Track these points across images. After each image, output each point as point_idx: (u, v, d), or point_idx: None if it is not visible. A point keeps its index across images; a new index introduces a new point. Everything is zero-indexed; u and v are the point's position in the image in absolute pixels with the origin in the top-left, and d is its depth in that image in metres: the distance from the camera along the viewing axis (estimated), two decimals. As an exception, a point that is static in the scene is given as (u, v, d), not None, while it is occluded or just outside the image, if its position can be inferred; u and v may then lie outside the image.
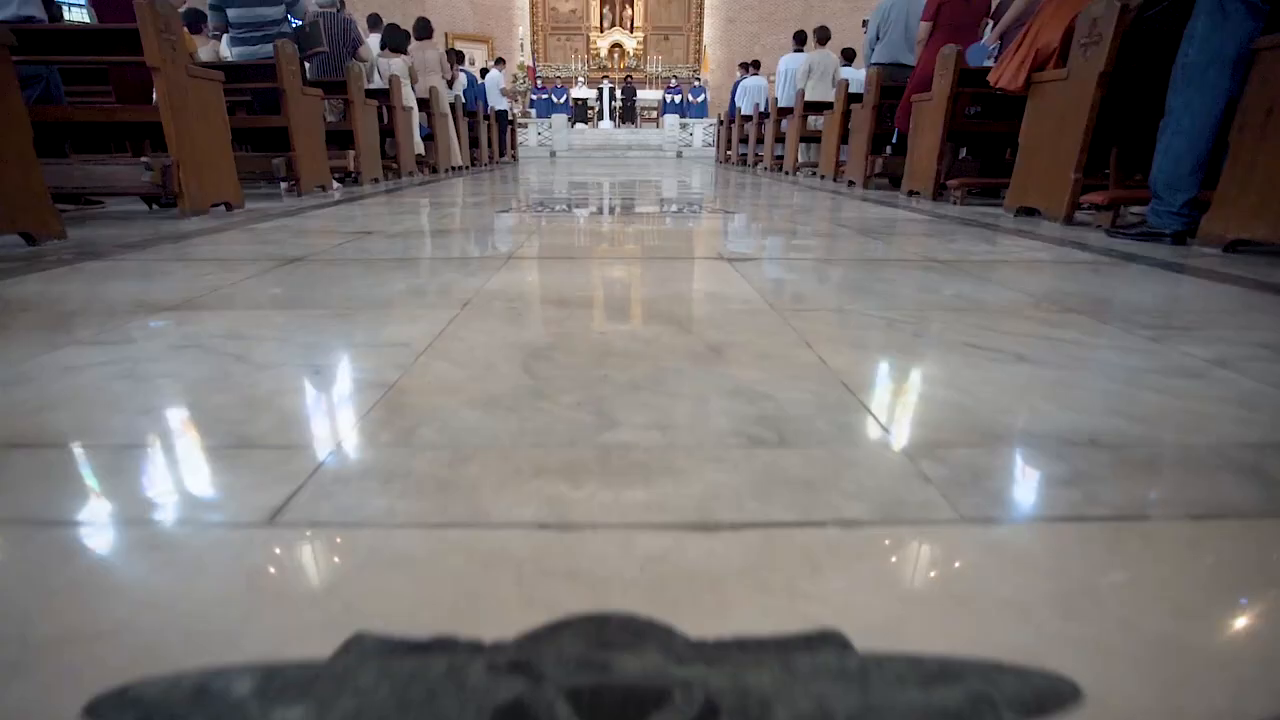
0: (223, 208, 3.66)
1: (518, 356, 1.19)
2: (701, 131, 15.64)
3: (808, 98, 7.59)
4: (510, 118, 11.90)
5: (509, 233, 2.87)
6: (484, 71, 11.19)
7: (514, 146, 12.17)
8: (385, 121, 6.50)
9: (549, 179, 7.24)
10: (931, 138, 4.57)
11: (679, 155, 15.16)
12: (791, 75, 8.53)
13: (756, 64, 10.70)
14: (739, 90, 10.57)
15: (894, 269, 2.09)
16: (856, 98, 6.40)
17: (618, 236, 2.77)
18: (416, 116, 6.97)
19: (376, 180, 5.97)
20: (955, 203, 4.32)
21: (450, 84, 8.46)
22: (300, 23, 4.93)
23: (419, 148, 7.05)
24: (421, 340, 1.29)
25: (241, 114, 5.53)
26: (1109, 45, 3.19)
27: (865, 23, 13.62)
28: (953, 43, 4.51)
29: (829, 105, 7.15)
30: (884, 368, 1.16)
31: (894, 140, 5.46)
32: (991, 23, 4.96)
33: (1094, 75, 3.22)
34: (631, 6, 20.40)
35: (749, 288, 1.79)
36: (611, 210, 3.92)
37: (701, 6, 20.53)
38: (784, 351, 1.23)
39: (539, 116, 16.97)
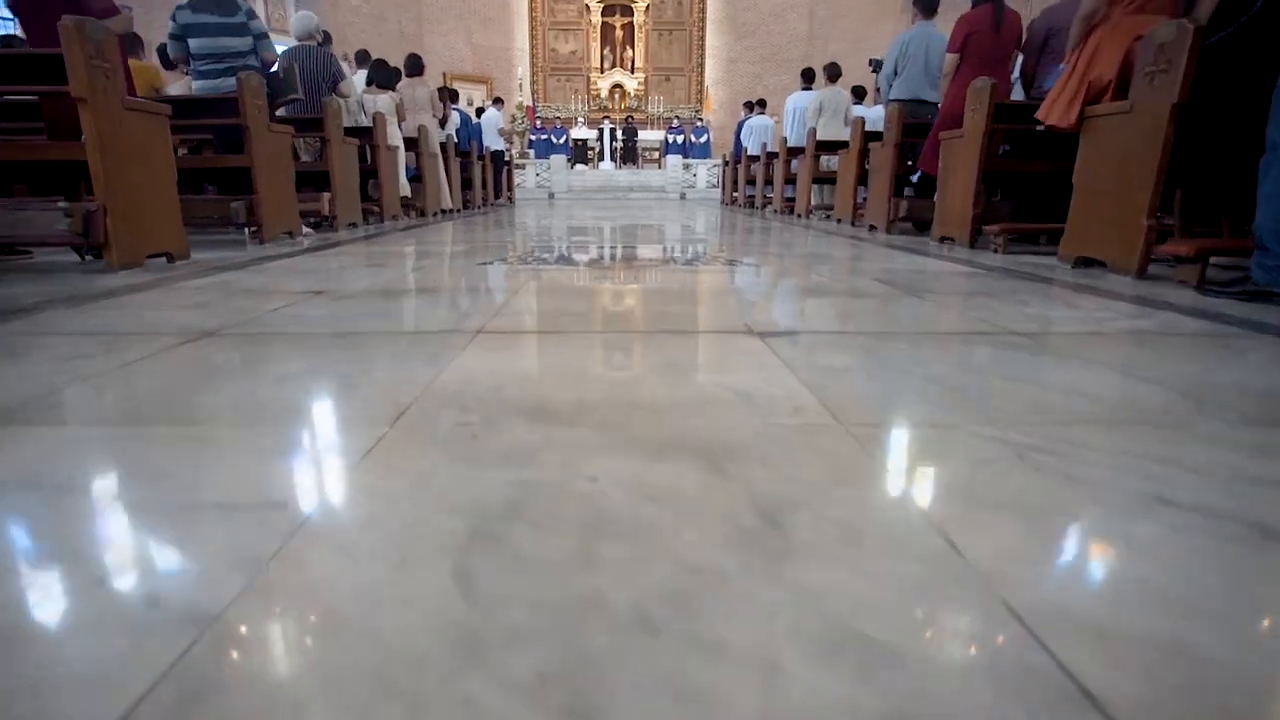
0: (163, 259, 3.25)
1: (453, 539, 0.74)
2: (705, 172, 15.45)
3: (819, 137, 7.29)
4: (507, 158, 11.66)
5: (485, 294, 2.45)
6: (480, 110, 10.99)
7: (510, 188, 11.91)
8: (369, 162, 6.17)
9: (543, 223, 6.89)
10: (964, 179, 4.19)
11: (682, 197, 14.94)
12: (801, 114, 8.26)
13: (762, 103, 10.48)
14: (744, 130, 10.33)
15: (971, 346, 1.66)
16: (873, 136, 6.07)
17: (617, 299, 2.34)
18: (403, 157, 6.65)
19: (355, 225, 5.60)
20: (996, 251, 3.92)
21: (442, 123, 8.19)
22: (270, 64, 4.59)
23: (405, 189, 6.71)
24: (308, 496, 0.84)
25: (210, 153, 5.20)
26: (1181, 73, 2.81)
27: (872, 61, 13.44)
28: (983, 76, 4.18)
29: (842, 144, 6.83)
30: (1061, 562, 0.71)
31: (914, 181, 5.10)
32: (1021, 55, 4.63)
33: (1165, 108, 2.84)
34: (632, 48, 20.48)
35: (795, 381, 1.35)
36: (610, 262, 3.51)
37: (703, 48, 20.62)
38: (882, 519, 0.78)
39: (538, 157, 16.82)
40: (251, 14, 4.42)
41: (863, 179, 6.20)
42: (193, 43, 4.43)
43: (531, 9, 20.27)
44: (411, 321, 1.96)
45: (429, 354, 1.54)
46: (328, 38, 6.33)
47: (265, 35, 4.47)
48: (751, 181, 10.06)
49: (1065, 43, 4.39)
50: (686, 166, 15.68)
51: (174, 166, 3.30)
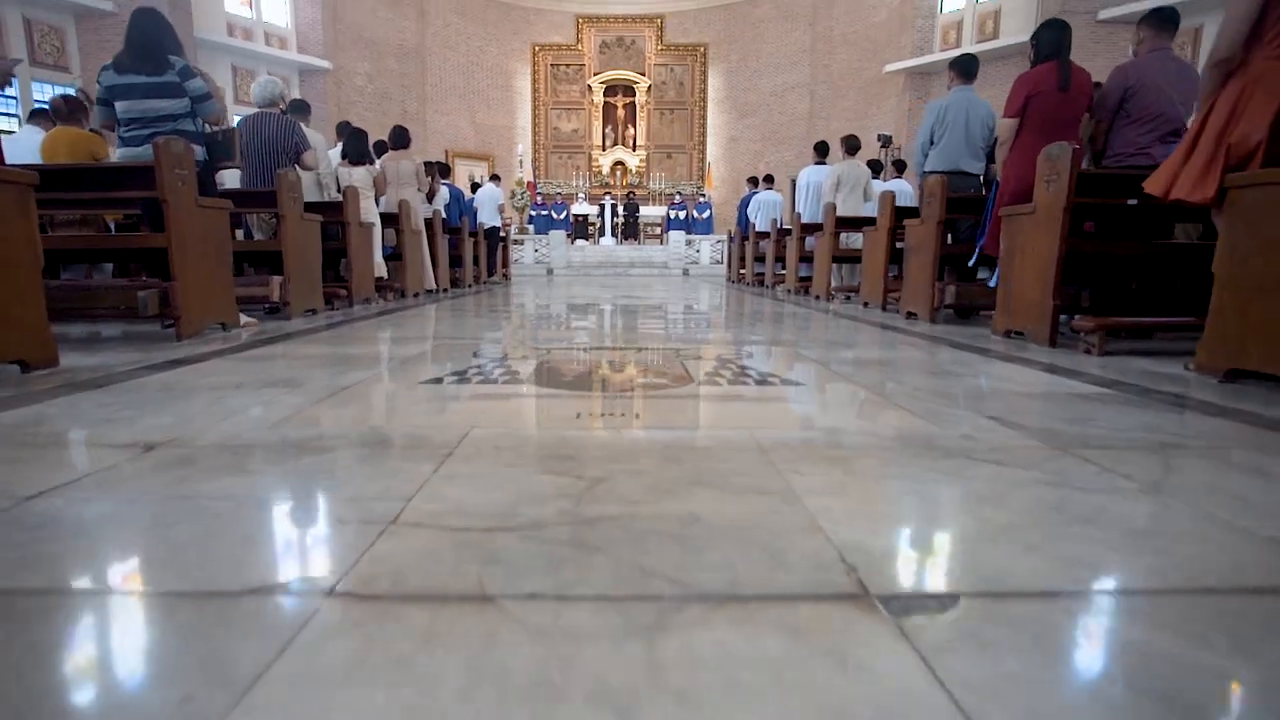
0: (16, 368, 2.40)
1: None
2: (709, 248, 14.87)
3: (838, 213, 6.58)
4: (503, 234, 11.03)
5: (392, 465, 1.56)
6: (475, 185, 10.40)
7: (506, 265, 11.23)
8: (340, 240, 5.42)
9: (534, 308, 6.09)
10: (1039, 262, 3.38)
11: (685, 273, 14.30)
12: (815, 188, 7.59)
13: (770, 178, 9.89)
14: (751, 205, 9.70)
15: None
16: (905, 212, 5.32)
17: (606, 470, 1.46)
18: (378, 234, 5.91)
19: (314, 312, 4.78)
20: (1089, 352, 3.06)
21: (430, 197, 7.51)
22: (212, 126, 3.86)
23: (380, 270, 5.94)
24: None
25: (147, 230, 4.43)
26: (1386, 130, 2.01)
27: (881, 137, 12.89)
28: (1050, 141, 3.42)
29: (866, 221, 6.09)
30: None
31: (971, 263, 4.30)
32: (1091, 119, 3.90)
33: (1364, 175, 2.03)
34: (634, 126, 20.32)
35: None
36: (603, 377, 2.65)
37: (704, 126, 20.46)
38: None
39: (538, 233, 16.31)
40: (188, 72, 3.71)
41: (893, 258, 5.43)
42: (119, 106, 3.70)
43: (534, 90, 20.21)
44: (261, 524, 1.07)
45: (250, 627, 0.64)
46: (303, 106, 5.68)
47: (206, 97, 3.75)
48: (760, 258, 9.35)
49: (1147, 104, 3.67)
50: (689, 242, 15.11)
51: (37, 246, 2.48)
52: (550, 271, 14.36)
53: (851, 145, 6.92)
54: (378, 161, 6.57)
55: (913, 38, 16.23)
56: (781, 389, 2.22)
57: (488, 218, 9.57)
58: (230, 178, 5.26)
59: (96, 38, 13.00)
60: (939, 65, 16.08)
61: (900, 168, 8.61)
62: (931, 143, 4.87)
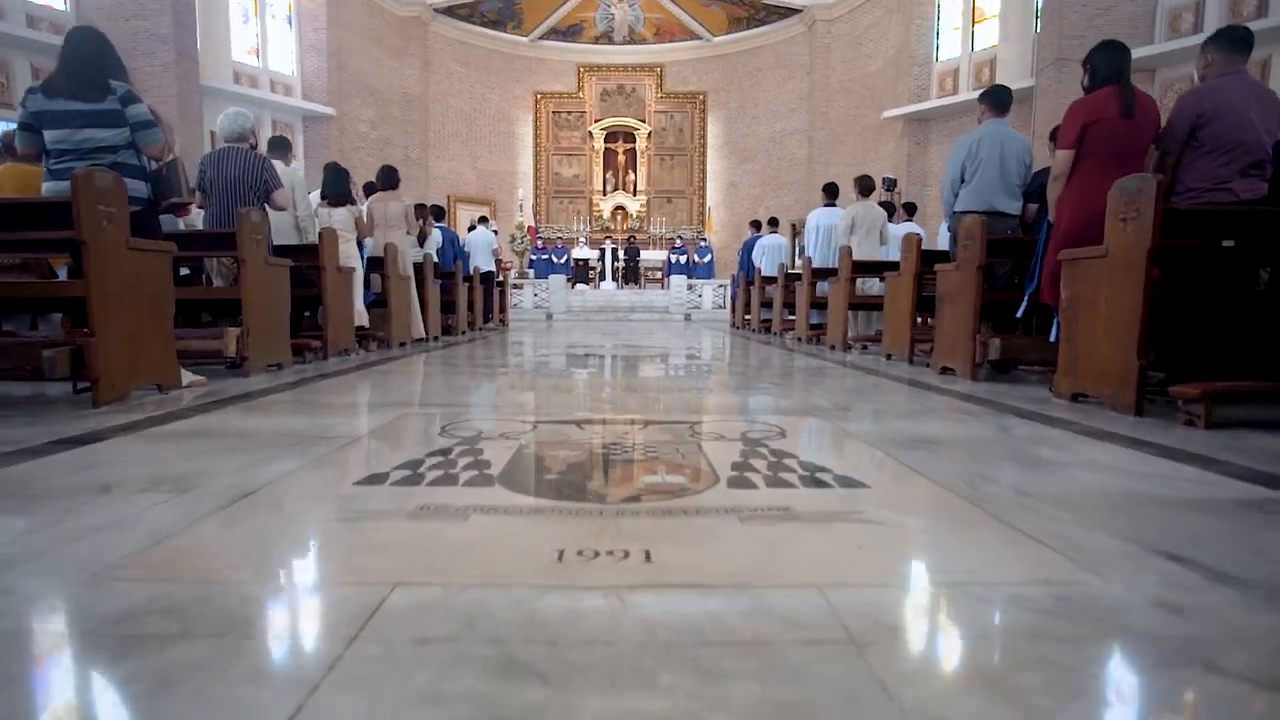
0: None
1: None
2: (711, 293, 14.37)
3: (854, 257, 6.04)
4: (500, 278, 10.52)
5: (277, 651, 0.95)
6: (471, 228, 9.92)
7: (503, 310, 10.69)
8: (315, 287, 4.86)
9: (527, 360, 5.50)
10: (1115, 314, 2.80)
11: (687, 318, 13.79)
12: (826, 232, 7.08)
13: (774, 221, 9.41)
14: (756, 249, 9.20)
15: None
16: (934, 256, 4.78)
17: (600, 707, 0.86)
18: (359, 279, 5.36)
19: (279, 366, 4.19)
20: (1194, 423, 2.46)
21: (421, 240, 6.99)
22: (158, 160, 3.32)
23: (361, 318, 5.37)
24: None
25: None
26: None
27: (886, 180, 12.47)
28: (1112, 175, 2.89)
29: (887, 265, 5.55)
30: None
31: (1020, 313, 3.72)
32: (1156, 150, 3.36)
33: None
34: (634, 172, 20.05)
35: None
36: (599, 477, 2.05)
37: (704, 171, 20.19)
38: None
39: (538, 277, 15.84)
40: (130, 98, 3.18)
41: (920, 306, 4.87)
42: (48, 135, 3.16)
43: (536, 136, 20.00)
44: None
45: None
46: (282, 144, 5.17)
47: (148, 124, 3.22)
48: (767, 304, 8.81)
49: (1225, 132, 3.13)
50: (691, 287, 14.62)
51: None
52: (550, 316, 13.84)
53: (865, 186, 6.42)
54: (364, 202, 6.07)
55: (909, 85, 16.01)
56: (842, 496, 1.60)
57: (481, 262, 9.05)
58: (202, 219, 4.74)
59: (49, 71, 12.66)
60: (936, 111, 15.85)
61: (910, 210, 8.14)
62: (962, 180, 4.35)
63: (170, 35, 12.62)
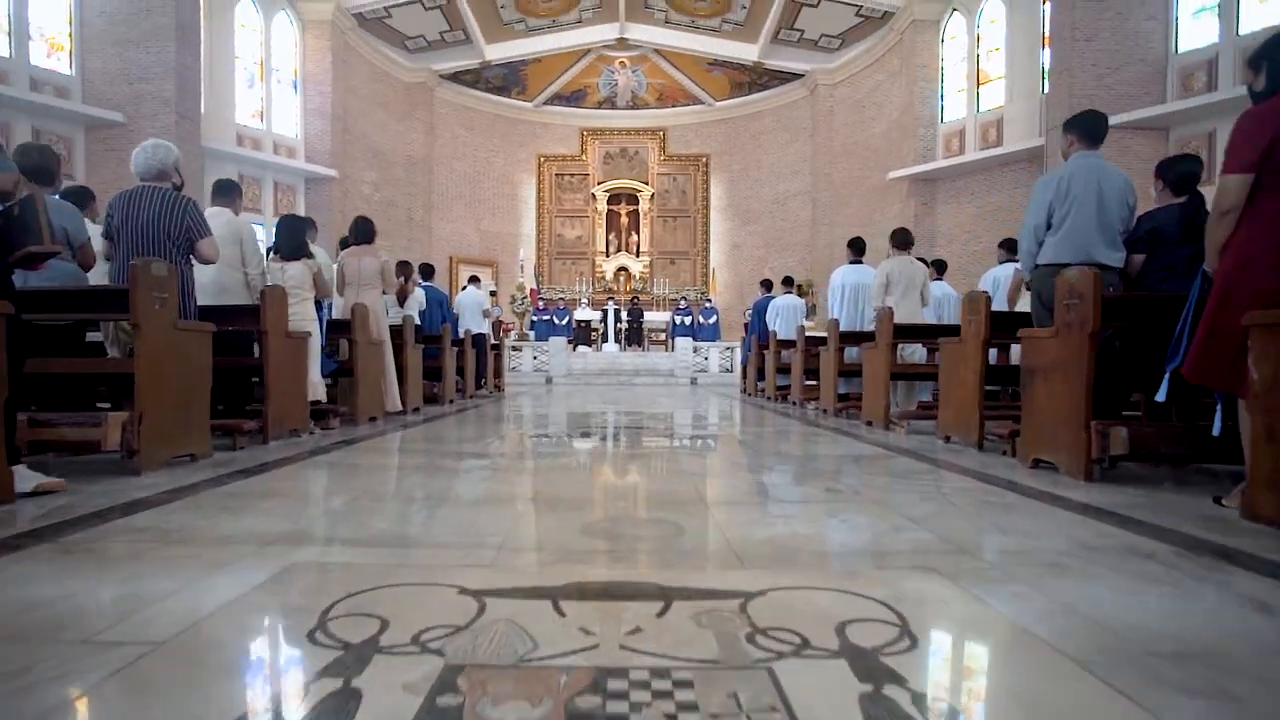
0: None
1: None
2: (718, 356, 13.43)
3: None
4: (496, 341, 9.59)
5: None
6: (465, 287, 9.04)
7: (498, 375, 9.71)
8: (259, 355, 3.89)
9: (512, 443, 4.50)
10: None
11: (693, 382, 12.80)
12: (853, 291, 6.16)
13: (789, 280, 8.51)
14: (770, 309, 8.28)
15: None
16: (1006, 320, 3.81)
17: None
18: (317, 346, 4.39)
19: (193, 458, 3.18)
20: None
21: (401, 301, 6.07)
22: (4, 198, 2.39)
23: (317, 391, 4.38)
24: None
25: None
26: None
27: (894, 233, 11.50)
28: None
29: (940, 330, 4.58)
30: None
31: (1161, 395, 2.70)
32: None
33: None
34: (637, 233, 19.40)
35: None
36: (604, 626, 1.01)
37: (707, 232, 19.54)
38: None
39: (538, 339, 14.95)
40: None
41: (986, 378, 3.88)
42: None
43: (539, 198, 19.45)
44: None
45: None
46: (227, 189, 4.28)
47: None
48: (784, 370, 7.83)
49: None
50: (696, 349, 13.69)
51: None
52: (549, 380, 12.87)
53: (903, 240, 5.52)
54: (334, 257, 5.17)
55: (914, 146, 15.45)
56: None
57: (472, 324, 8.13)
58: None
59: (104, 146, 12.16)
60: (943, 172, 15.25)
61: (941, 268, 7.24)
62: (1049, 226, 3.41)
63: (173, 98, 12.13)
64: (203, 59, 13.32)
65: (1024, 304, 4.31)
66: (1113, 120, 12.51)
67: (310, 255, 4.35)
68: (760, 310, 8.54)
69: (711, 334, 15.16)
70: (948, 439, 4.21)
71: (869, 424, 5.18)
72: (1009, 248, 6.30)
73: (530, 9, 16.30)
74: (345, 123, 15.69)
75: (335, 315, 5.04)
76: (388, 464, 3.31)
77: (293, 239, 4.34)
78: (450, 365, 6.97)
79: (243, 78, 14.22)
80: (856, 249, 6.41)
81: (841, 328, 5.98)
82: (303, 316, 4.28)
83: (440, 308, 7.23)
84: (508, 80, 18.39)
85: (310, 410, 4.38)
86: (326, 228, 15.28)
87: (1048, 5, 13.54)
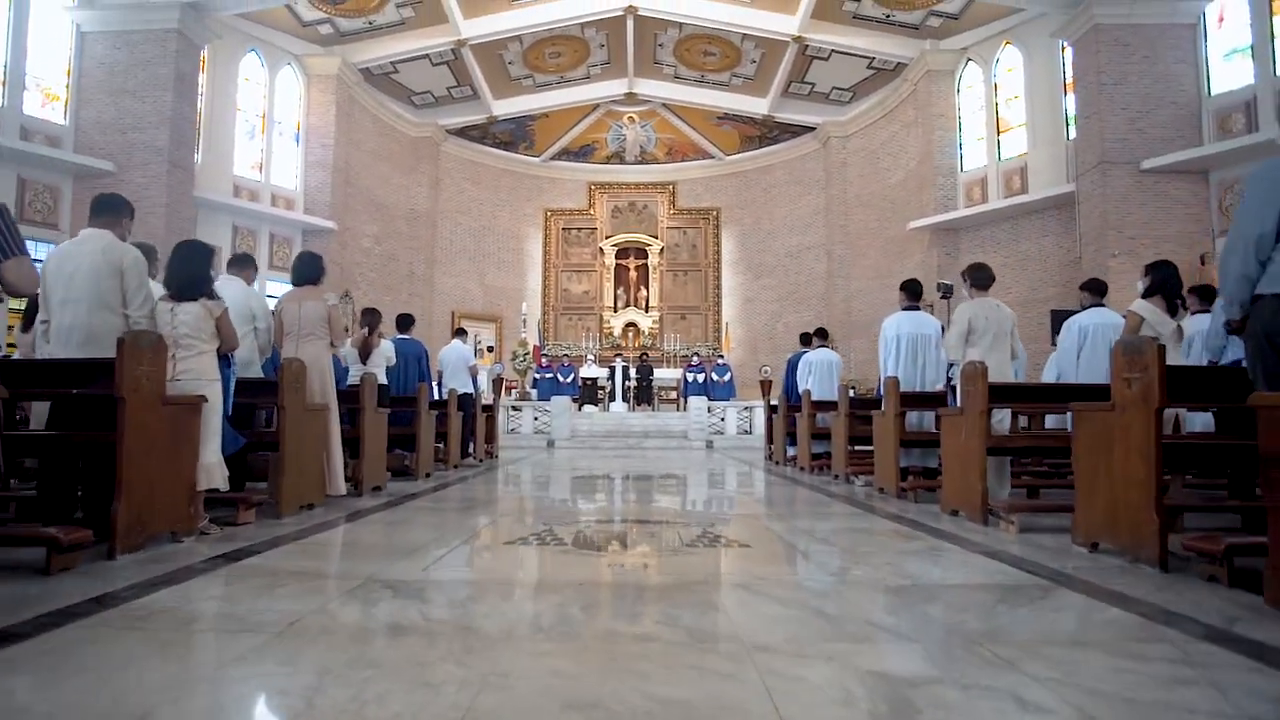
0: None
1: None
2: (735, 416, 12.09)
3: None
4: (488, 401, 8.33)
5: None
6: (460, 332, 7.81)
7: (490, 440, 8.40)
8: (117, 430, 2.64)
9: (484, 542, 3.20)
10: None
11: (709, 446, 11.45)
12: (910, 342, 4.92)
13: (823, 333, 7.27)
14: (801, 366, 7.03)
15: None
16: (1191, 375, 2.53)
17: None
18: (216, 414, 3.14)
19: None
20: None
21: (363, 356, 4.85)
22: None
23: (213, 478, 3.10)
24: None
25: None
26: None
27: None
28: None
29: (1071, 393, 3.30)
30: None
31: None
32: None
33: None
34: (646, 287, 18.34)
35: None
36: None
37: (719, 286, 18.46)
38: None
39: (540, 397, 13.68)
40: None
41: (1168, 459, 2.56)
42: None
43: (546, 252, 18.52)
44: None
45: None
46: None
47: None
48: (821, 436, 6.50)
49: None
50: (711, 409, 12.36)
51: None
52: (551, 444, 11.55)
53: (984, 278, 4.27)
54: (268, 303, 3.99)
55: (934, 195, 14.46)
56: None
57: (457, 382, 6.87)
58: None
59: (91, 195, 11.30)
60: (966, 221, 14.22)
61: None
62: (1278, 238, 2.17)
63: (166, 148, 11.36)
64: (203, 110, 12.64)
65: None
66: (1150, 164, 11.56)
67: (212, 295, 3.15)
68: (793, 365, 7.28)
69: (726, 392, 13.85)
70: (1092, 546, 2.87)
71: (954, 513, 3.84)
72: (1095, 289, 5.06)
73: (538, 65, 15.70)
74: (347, 175, 14.91)
75: (247, 376, 3.81)
76: (253, 614, 2.01)
77: (189, 272, 3.14)
78: (427, 432, 5.69)
79: (243, 130, 13.50)
80: (912, 293, 5.18)
81: (903, 388, 4.69)
82: (197, 374, 3.05)
83: (418, 364, 6.03)
84: (515, 135, 17.73)
85: (207, 500, 3.11)
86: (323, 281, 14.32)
87: (1068, 52, 12.75)
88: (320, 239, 14.35)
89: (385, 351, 5.23)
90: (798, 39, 14.37)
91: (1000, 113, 14.09)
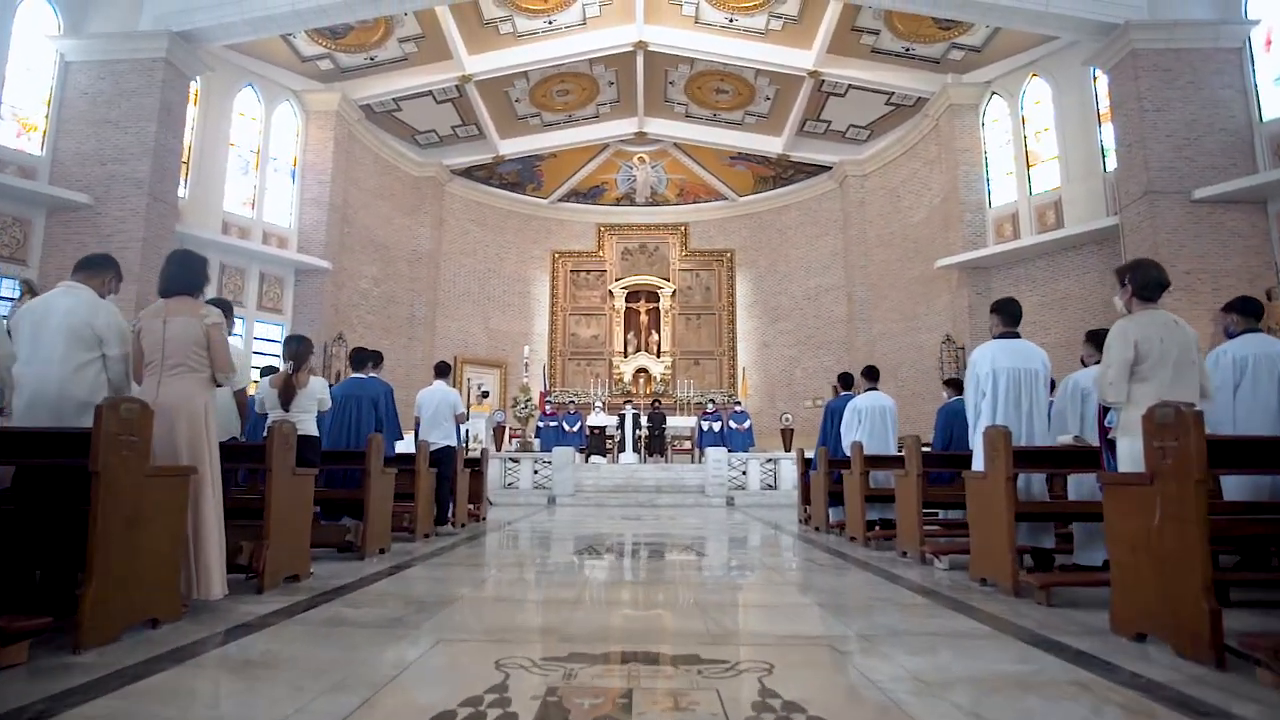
0: None
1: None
2: (759, 469, 10.59)
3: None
4: (478, 453, 6.92)
5: None
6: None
7: (479, 501, 6.94)
8: None
9: (387, 686, 1.75)
10: None
11: (729, 503, 9.93)
12: (1013, 379, 3.53)
13: (873, 372, 5.85)
14: (848, 413, 5.61)
15: None
16: None
17: None
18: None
19: None
20: None
21: (284, 400, 3.50)
22: None
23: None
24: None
25: None
26: None
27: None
28: None
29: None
30: None
31: None
32: None
33: None
34: (658, 332, 17.08)
35: None
36: None
37: (733, 330, 17.17)
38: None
39: (544, 447, 12.25)
40: None
41: None
42: None
43: (553, 295, 17.36)
44: None
45: None
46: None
47: None
48: (878, 499, 5.04)
49: None
50: (732, 462, 10.87)
51: None
52: (552, 500, 10.07)
53: (1151, 283, 2.87)
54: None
55: (962, 233, 13.21)
56: None
57: (438, 434, 5.46)
58: None
59: (65, 230, 10.36)
60: (996, 259, 12.94)
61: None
62: None
63: (147, 180, 10.34)
64: (193, 144, 11.73)
65: None
66: (1202, 193, 10.11)
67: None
68: (834, 412, 5.86)
69: (745, 441, 12.36)
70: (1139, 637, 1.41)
71: (1139, 639, 2.38)
72: (1248, 311, 3.70)
73: (546, 103, 14.85)
74: (345, 214, 13.89)
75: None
76: None
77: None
78: (380, 498, 4.29)
79: (236, 165, 12.56)
80: (1010, 315, 3.80)
81: (1020, 444, 3.28)
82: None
83: (374, 409, 4.67)
84: (523, 176, 16.81)
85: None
86: (315, 323, 13.13)
87: (1101, 81, 11.69)
88: (313, 279, 13.24)
89: (314, 392, 3.86)
90: (814, 74, 13.42)
91: (1029, 146, 12.97)
